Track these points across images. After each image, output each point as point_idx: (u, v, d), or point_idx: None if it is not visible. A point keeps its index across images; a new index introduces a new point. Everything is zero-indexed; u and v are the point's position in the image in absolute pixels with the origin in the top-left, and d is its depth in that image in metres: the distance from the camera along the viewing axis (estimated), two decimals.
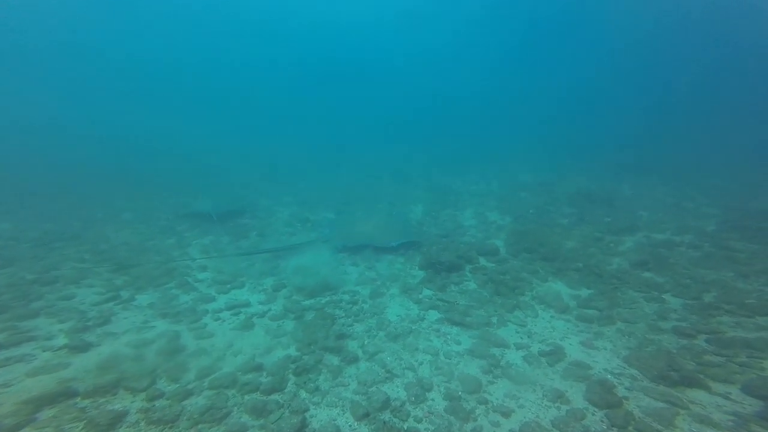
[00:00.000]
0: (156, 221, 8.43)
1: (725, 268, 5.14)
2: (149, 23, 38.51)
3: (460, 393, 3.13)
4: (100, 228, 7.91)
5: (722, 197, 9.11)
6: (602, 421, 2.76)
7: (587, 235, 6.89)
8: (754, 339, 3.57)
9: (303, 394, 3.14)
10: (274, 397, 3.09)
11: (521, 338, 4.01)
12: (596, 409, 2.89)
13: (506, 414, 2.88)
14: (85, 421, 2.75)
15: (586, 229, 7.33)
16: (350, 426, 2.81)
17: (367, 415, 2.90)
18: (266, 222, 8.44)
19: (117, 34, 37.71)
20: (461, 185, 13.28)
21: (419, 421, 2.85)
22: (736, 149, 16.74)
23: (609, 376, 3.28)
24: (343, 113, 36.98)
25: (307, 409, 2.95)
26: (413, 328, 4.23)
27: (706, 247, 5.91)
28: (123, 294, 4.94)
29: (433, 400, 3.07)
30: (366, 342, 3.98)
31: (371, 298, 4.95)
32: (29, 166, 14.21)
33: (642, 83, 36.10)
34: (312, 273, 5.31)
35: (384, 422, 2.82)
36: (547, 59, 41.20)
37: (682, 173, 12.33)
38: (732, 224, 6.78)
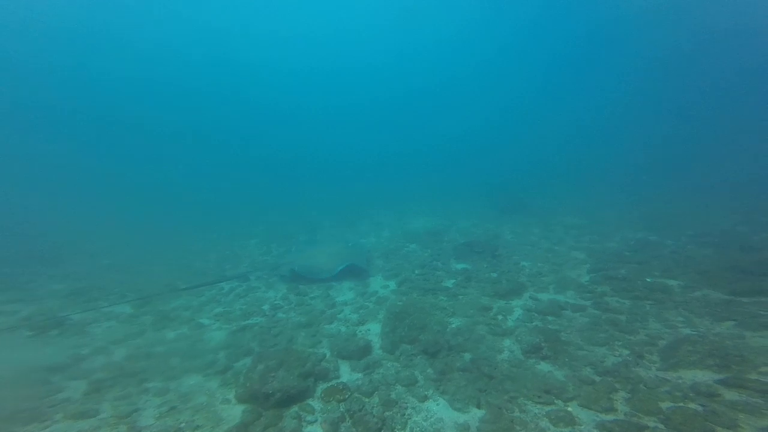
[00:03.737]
0: None
1: (616, 340, 4.39)
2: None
3: None
4: None
5: (582, 237, 9.56)
6: None
7: (474, 302, 5.77)
8: None
9: None
10: None
11: None
12: None
13: None
14: None
15: (472, 292, 6.28)
16: None
17: None
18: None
19: None
20: (351, 237, 11.72)
21: None
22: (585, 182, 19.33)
23: None
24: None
25: None
26: None
27: (589, 309, 5.31)
28: None
29: None
30: None
31: None
32: None
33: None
34: None
35: None
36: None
37: (549, 211, 13.23)
38: (601, 273, 6.61)
